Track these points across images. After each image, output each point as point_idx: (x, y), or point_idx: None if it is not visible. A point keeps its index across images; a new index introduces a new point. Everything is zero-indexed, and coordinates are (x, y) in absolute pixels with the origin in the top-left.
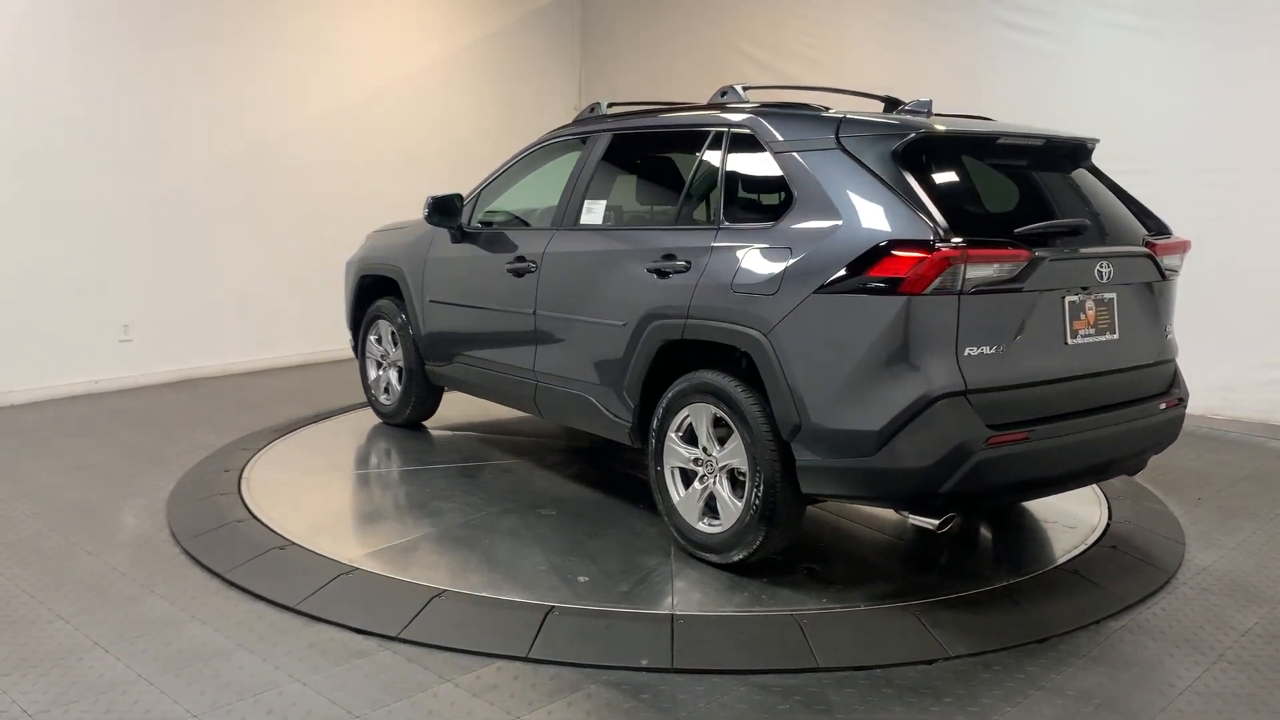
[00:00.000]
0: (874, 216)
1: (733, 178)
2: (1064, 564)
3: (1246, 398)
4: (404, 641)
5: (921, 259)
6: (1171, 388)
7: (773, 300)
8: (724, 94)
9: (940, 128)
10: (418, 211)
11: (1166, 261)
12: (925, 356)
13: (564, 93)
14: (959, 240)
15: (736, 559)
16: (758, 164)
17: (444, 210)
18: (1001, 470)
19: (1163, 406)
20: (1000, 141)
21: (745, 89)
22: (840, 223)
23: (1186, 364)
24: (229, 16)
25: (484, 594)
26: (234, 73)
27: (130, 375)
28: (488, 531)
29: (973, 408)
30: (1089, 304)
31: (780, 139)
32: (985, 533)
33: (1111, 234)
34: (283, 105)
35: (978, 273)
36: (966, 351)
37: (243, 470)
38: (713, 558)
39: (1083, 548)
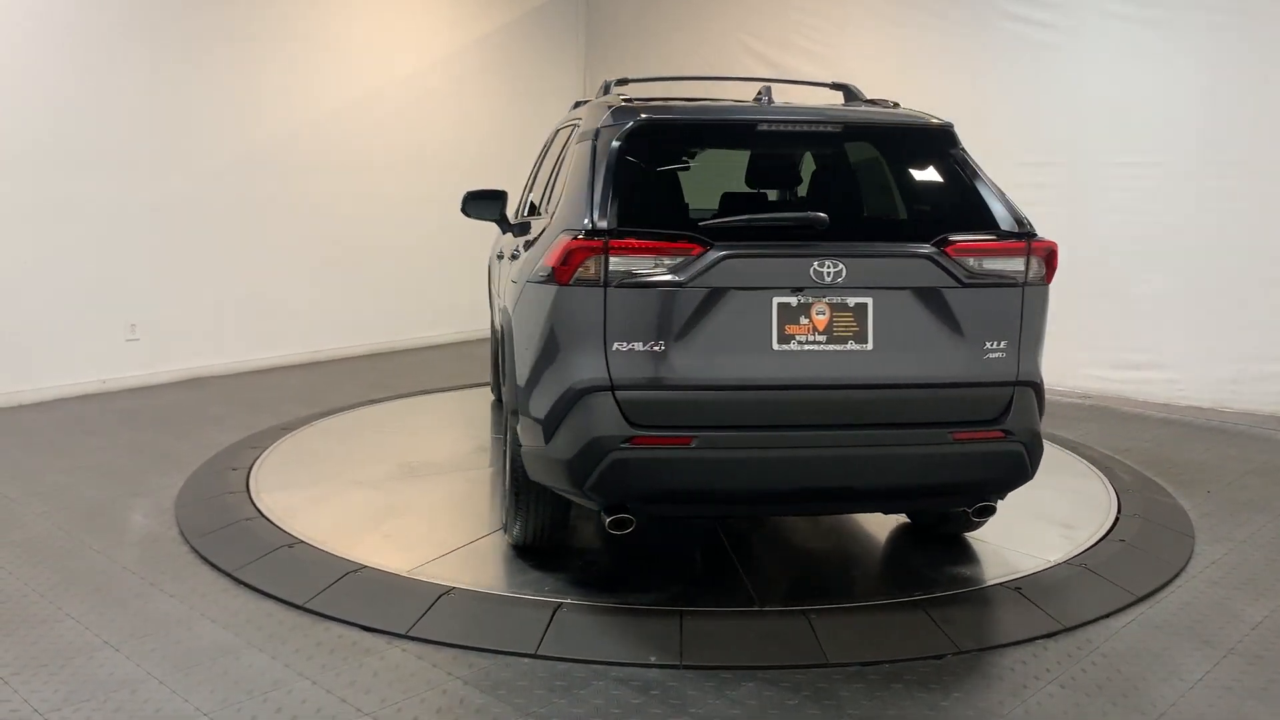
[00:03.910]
0: (570, 209)
1: (566, 170)
2: (1072, 558)
3: (1256, 390)
4: (413, 639)
5: (565, 250)
6: (999, 418)
7: (515, 288)
8: (606, 89)
9: (664, 118)
10: (419, 210)
11: (983, 265)
12: (574, 348)
13: (569, 88)
14: (602, 231)
15: (510, 540)
16: (575, 157)
17: (475, 202)
18: (651, 474)
19: (955, 437)
20: (762, 129)
21: (620, 82)
22: (556, 214)
23: (1195, 356)
24: (235, 17)
25: (492, 591)
26: (238, 73)
27: (137, 374)
28: (392, 489)
29: (618, 405)
30: (818, 308)
31: (581, 131)
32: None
33: (886, 230)
34: (287, 105)
35: (626, 265)
36: (615, 346)
37: (251, 468)
38: (508, 536)
39: (1091, 542)
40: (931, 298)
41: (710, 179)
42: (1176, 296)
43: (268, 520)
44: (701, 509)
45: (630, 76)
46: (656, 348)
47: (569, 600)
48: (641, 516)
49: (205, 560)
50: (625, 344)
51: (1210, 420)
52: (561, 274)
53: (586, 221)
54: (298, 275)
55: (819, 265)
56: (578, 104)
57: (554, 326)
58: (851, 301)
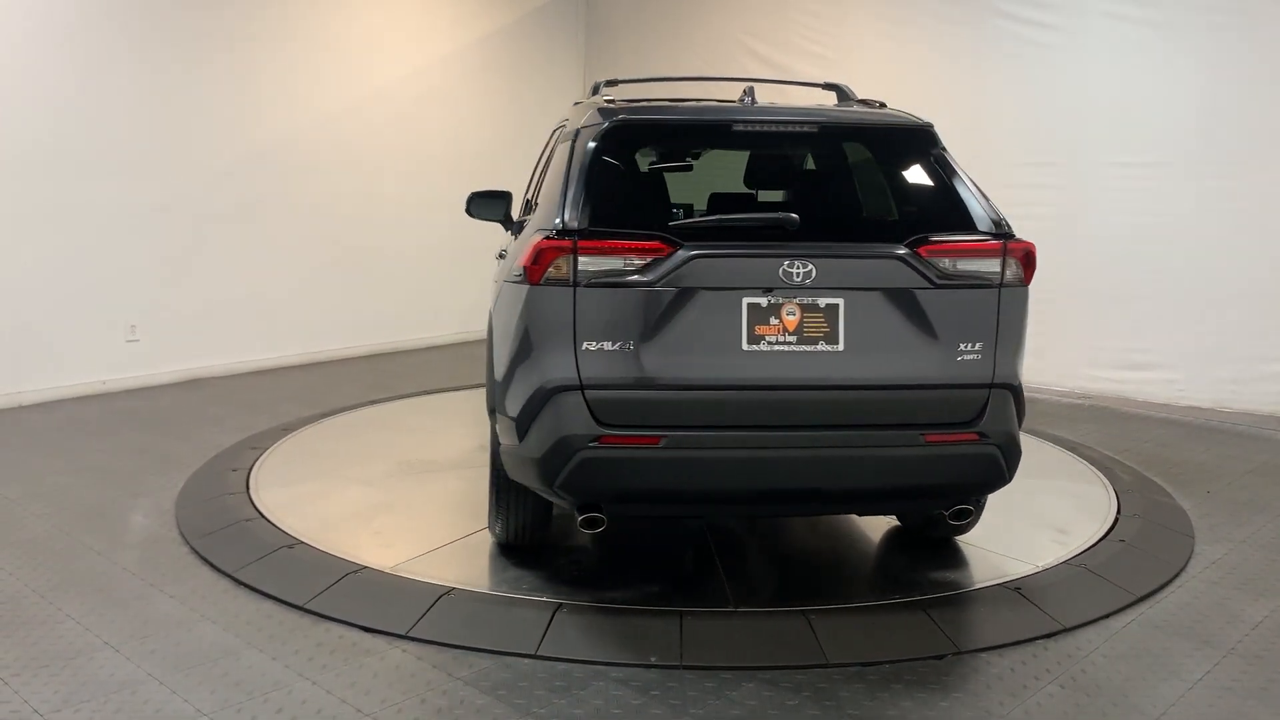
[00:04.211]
0: (546, 209)
1: (550, 171)
2: (1071, 559)
3: (1256, 390)
4: (413, 640)
5: (536, 250)
6: (973, 421)
7: (495, 288)
8: (596, 90)
9: (638, 119)
10: (419, 210)
11: (957, 266)
12: (545, 348)
13: (570, 88)
14: (572, 231)
15: (494, 537)
16: (556, 158)
17: (480, 202)
18: (620, 473)
19: (927, 439)
20: (739, 129)
21: (610, 83)
22: (536, 214)
23: (1195, 356)
24: (235, 17)
25: (492, 591)
26: (238, 74)
27: (138, 375)
28: (391, 488)
29: (587, 404)
30: (788, 308)
31: (565, 132)
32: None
33: (859, 231)
34: (287, 105)
35: (595, 265)
36: (585, 345)
37: (251, 469)
38: (491, 533)
39: (1091, 542)
40: (904, 299)
41: (689, 179)
42: (1177, 296)
43: (268, 521)
44: (671, 509)
45: (625, 77)
46: (626, 347)
47: (562, 599)
48: (614, 516)
49: (205, 561)
50: (595, 344)
51: (1210, 420)
52: (533, 274)
53: (558, 221)
54: (298, 275)
55: (789, 266)
56: (577, 104)
57: (526, 326)
58: (822, 302)
